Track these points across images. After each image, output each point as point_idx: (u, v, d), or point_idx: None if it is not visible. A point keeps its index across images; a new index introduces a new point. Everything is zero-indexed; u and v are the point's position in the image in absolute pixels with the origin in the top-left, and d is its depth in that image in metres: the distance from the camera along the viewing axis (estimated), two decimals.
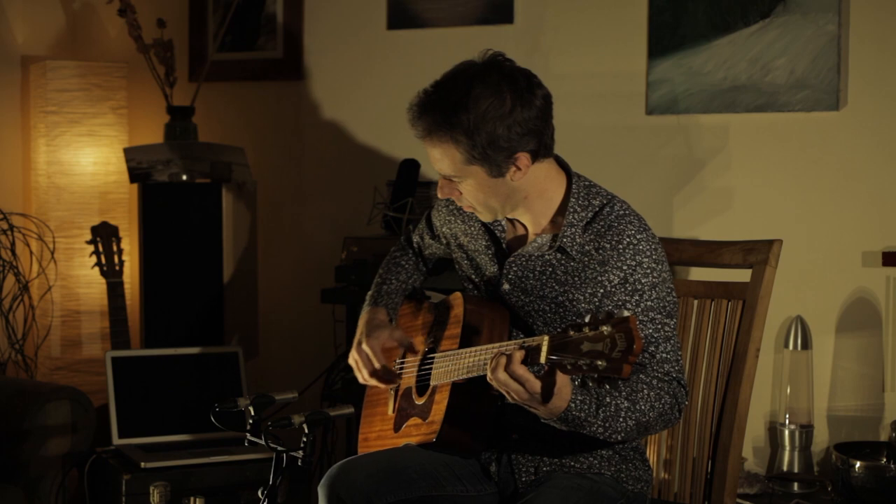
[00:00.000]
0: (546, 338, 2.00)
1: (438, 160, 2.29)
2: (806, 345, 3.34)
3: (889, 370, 3.31)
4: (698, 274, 3.07)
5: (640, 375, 2.23)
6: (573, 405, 2.10)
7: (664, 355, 2.26)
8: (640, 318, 2.25)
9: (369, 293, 2.66)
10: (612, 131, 3.64)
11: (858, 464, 3.08)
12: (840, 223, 3.37)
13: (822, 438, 3.37)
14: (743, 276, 2.61)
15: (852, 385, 3.36)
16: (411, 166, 3.64)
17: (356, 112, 4.05)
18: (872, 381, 3.33)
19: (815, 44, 3.33)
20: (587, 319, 1.95)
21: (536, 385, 2.05)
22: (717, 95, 3.46)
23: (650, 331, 2.25)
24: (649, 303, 2.26)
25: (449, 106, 2.22)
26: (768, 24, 3.39)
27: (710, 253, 2.70)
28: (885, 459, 3.12)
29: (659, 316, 2.26)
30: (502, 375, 2.06)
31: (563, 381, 2.06)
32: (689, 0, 3.48)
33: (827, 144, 3.38)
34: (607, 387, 2.16)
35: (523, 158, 2.26)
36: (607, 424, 2.16)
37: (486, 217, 2.39)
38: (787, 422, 3.34)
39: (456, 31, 3.83)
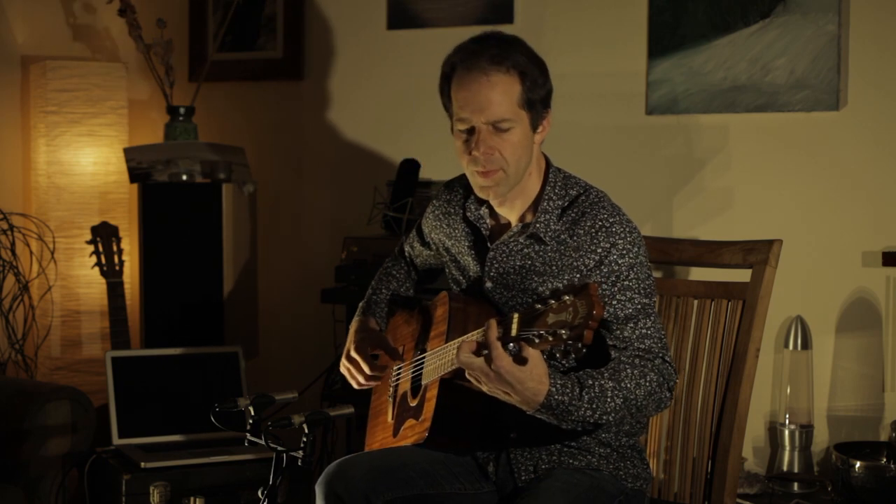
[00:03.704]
0: (516, 314, 2.02)
1: (497, 101, 2.28)
2: (806, 345, 3.34)
3: (889, 370, 3.31)
4: (698, 274, 3.07)
5: (621, 357, 2.23)
6: (554, 389, 2.09)
7: (644, 331, 2.26)
8: (619, 297, 2.25)
9: (361, 303, 2.69)
10: (612, 131, 3.64)
11: (858, 464, 3.08)
12: (840, 223, 3.37)
13: (822, 438, 3.37)
14: (743, 276, 2.61)
15: (852, 385, 3.36)
16: (411, 166, 3.64)
17: (356, 112, 4.04)
18: (872, 381, 3.33)
19: (815, 44, 3.33)
20: (550, 292, 1.98)
21: (505, 358, 2.03)
22: (717, 95, 3.46)
23: (630, 310, 2.26)
24: (627, 282, 2.26)
25: (507, 44, 2.31)
26: (768, 24, 3.39)
27: (710, 253, 2.70)
28: (885, 459, 3.12)
29: (638, 296, 2.27)
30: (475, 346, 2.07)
31: (533, 357, 2.04)
32: (689, 0, 3.48)
33: (827, 144, 3.38)
34: (589, 369, 2.18)
35: (549, 116, 2.37)
36: (595, 405, 2.14)
37: (502, 188, 2.34)
38: (787, 422, 3.33)
39: (456, 31, 3.78)
